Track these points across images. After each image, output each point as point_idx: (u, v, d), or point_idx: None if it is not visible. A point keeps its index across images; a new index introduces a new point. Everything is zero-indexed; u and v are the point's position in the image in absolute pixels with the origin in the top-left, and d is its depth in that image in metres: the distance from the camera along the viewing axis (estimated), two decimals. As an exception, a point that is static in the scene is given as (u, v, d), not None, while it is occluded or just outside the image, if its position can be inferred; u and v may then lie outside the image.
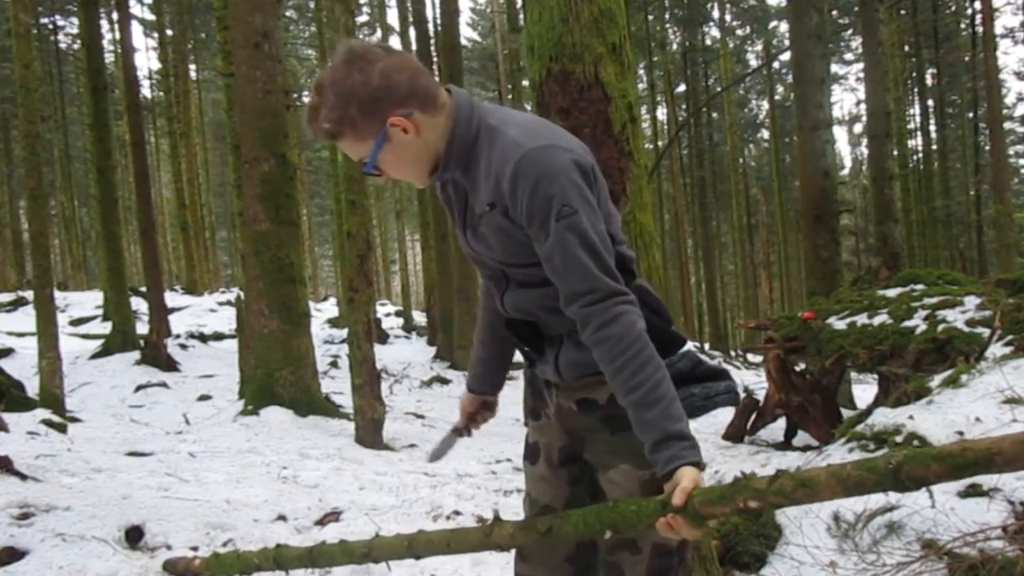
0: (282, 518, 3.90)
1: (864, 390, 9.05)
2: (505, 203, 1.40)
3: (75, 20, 23.44)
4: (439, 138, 1.44)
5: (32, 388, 7.05)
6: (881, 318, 5.64)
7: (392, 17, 29.44)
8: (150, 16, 27.10)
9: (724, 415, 7.54)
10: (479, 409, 1.87)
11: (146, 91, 28.66)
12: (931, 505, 2.54)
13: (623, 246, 1.52)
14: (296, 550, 2.22)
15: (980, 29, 19.55)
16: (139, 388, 8.73)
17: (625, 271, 1.48)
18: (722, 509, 1.20)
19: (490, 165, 1.41)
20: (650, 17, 23.95)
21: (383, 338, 15.24)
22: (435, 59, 15.17)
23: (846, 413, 6.22)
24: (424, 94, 1.42)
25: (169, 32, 22.71)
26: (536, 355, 1.60)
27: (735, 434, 6.64)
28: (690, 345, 1.50)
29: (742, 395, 8.02)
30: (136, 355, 10.08)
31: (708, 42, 27.56)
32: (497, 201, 1.41)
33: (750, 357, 17.73)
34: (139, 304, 13.94)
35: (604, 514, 1.38)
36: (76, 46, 25.18)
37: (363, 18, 25.98)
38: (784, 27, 26.04)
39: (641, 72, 24.08)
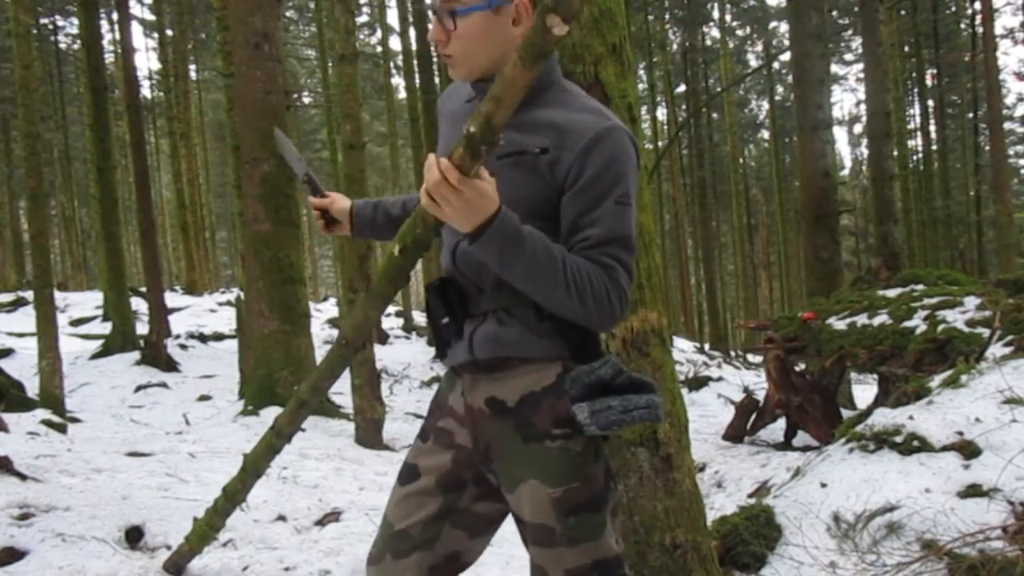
0: (282, 518, 3.91)
1: (864, 390, 9.06)
2: (560, 156, 1.32)
3: (75, 20, 23.43)
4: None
5: (32, 388, 7.05)
6: (881, 318, 5.65)
7: (392, 17, 29.49)
8: (150, 16, 27.13)
9: (725, 415, 7.54)
10: (333, 214, 1.78)
11: (146, 91, 28.67)
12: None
13: None
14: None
15: (980, 29, 19.55)
16: (139, 388, 8.73)
17: None
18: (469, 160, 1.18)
19: (560, 118, 1.35)
20: (650, 17, 23.95)
21: (383, 338, 15.23)
22: (435, 59, 15.17)
23: (846, 413, 6.22)
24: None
25: (169, 32, 22.71)
26: (451, 333, 1.45)
27: (735, 434, 6.64)
28: (612, 356, 1.39)
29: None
30: (136, 355, 10.08)
31: (708, 42, 27.56)
32: (552, 150, 1.33)
33: (750, 357, 17.72)
34: (139, 304, 13.93)
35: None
36: (76, 46, 25.16)
37: (363, 18, 26.00)
38: (784, 27, 26.06)
39: (641, 72, 24.08)
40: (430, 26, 1.41)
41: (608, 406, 1.32)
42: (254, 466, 2.55)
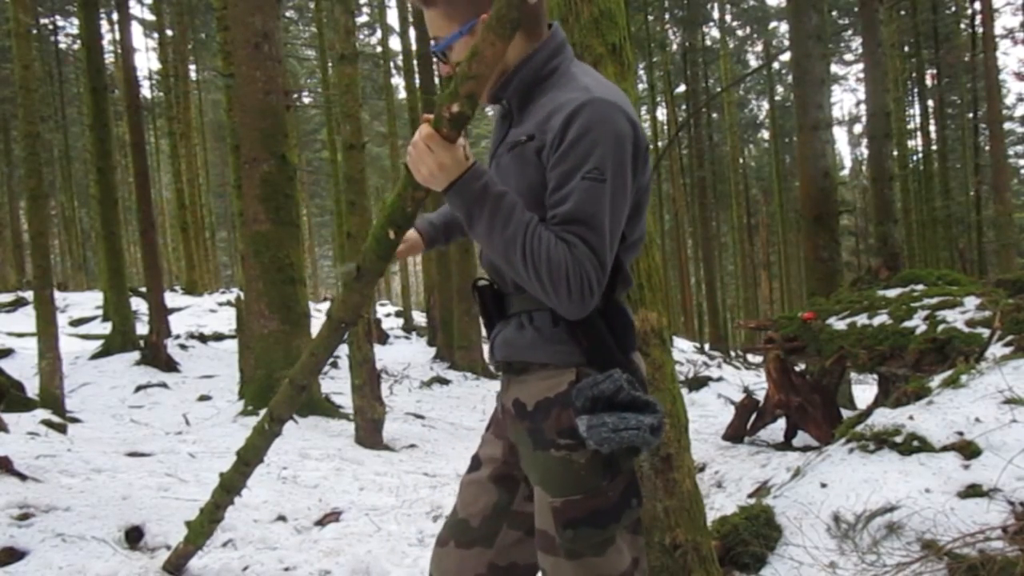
0: (282, 518, 3.91)
1: (864, 390, 9.07)
2: (544, 140, 1.32)
3: (75, 20, 23.44)
4: (513, 59, 1.42)
5: (32, 388, 7.05)
6: (881, 318, 5.64)
7: (392, 17, 29.47)
8: (150, 16, 27.12)
9: (725, 415, 7.54)
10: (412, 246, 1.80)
11: (146, 91, 28.70)
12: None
13: (627, 255, 1.45)
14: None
15: (980, 29, 19.55)
16: (139, 388, 8.73)
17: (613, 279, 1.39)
18: (451, 108, 1.27)
19: (550, 103, 1.36)
20: (650, 17, 23.94)
21: (383, 338, 15.24)
22: (435, 59, 15.17)
23: (846, 413, 6.22)
24: (529, 17, 1.38)
25: (169, 32, 22.70)
26: (489, 332, 1.54)
27: (735, 434, 6.63)
28: (617, 371, 1.34)
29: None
30: (136, 355, 10.08)
31: (708, 42, 27.55)
32: (537, 135, 1.34)
33: (750, 357, 17.71)
34: (139, 304, 13.94)
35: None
36: (76, 46, 25.18)
37: (363, 18, 25.99)
38: (784, 27, 26.06)
39: (641, 72, 24.07)
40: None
41: (603, 422, 1.30)
42: (255, 456, 2.56)
